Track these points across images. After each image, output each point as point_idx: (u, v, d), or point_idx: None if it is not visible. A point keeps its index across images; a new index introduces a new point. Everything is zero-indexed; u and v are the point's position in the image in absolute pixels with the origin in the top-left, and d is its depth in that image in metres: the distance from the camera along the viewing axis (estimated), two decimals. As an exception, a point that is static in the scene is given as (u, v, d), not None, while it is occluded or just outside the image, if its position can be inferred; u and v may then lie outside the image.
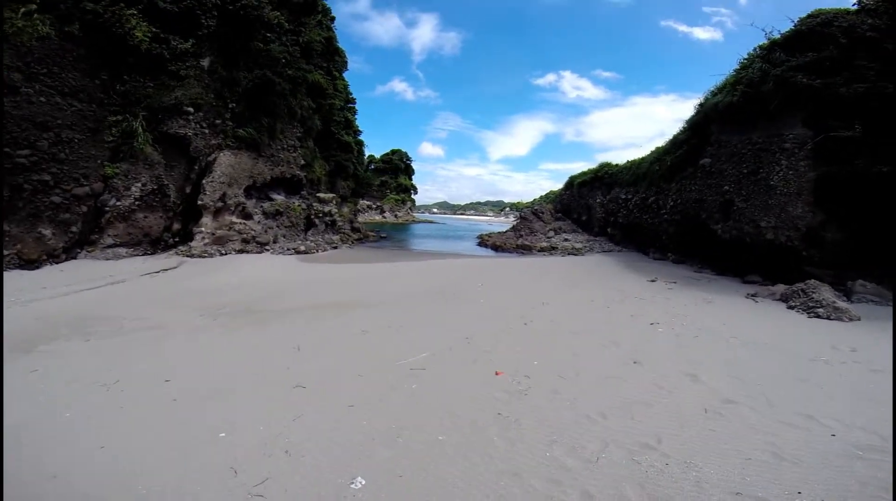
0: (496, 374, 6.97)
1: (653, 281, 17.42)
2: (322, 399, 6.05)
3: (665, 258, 26.16)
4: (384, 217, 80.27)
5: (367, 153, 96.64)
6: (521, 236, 40.79)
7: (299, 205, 27.72)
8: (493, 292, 13.97)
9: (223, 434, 5.22)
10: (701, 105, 24.86)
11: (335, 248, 26.87)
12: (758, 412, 6.16)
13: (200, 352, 8.03)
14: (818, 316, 11.51)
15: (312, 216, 27.75)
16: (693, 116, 25.83)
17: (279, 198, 26.22)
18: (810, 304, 12.27)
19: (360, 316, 10.69)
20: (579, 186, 45.46)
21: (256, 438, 5.12)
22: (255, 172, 24.60)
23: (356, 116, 45.80)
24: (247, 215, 23.18)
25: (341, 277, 16.65)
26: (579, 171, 47.39)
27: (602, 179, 40.70)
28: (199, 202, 20.91)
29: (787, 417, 6.04)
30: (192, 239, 20.46)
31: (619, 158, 45.42)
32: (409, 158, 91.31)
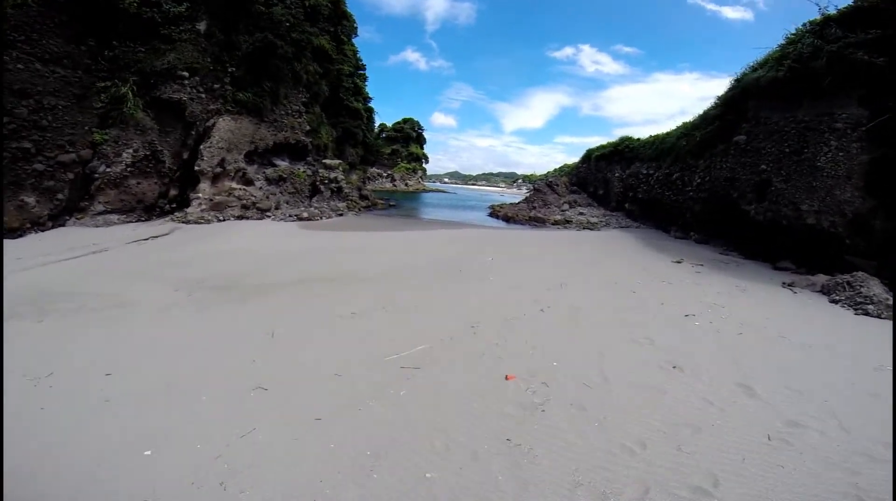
0: (506, 378, 5.68)
1: (678, 263, 15.88)
2: (284, 407, 4.83)
3: (687, 237, 24.43)
4: (394, 185, 78.48)
5: (378, 122, 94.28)
6: (535, 207, 39.04)
7: (304, 171, 26.29)
8: (505, 268, 12.60)
9: (148, 452, 4.04)
10: (737, 80, 22.81)
11: (340, 215, 25.57)
12: (831, 439, 4.82)
13: (160, 337, 6.84)
14: (867, 313, 9.94)
15: (318, 183, 26.35)
16: (728, 92, 23.84)
17: (283, 164, 24.81)
18: (858, 299, 10.67)
19: (352, 294, 9.43)
20: (597, 160, 43.19)
21: (189, 460, 3.93)
22: (257, 137, 23.14)
23: (366, 83, 43.65)
24: (247, 181, 21.88)
25: (341, 246, 15.39)
26: (596, 145, 45.03)
27: (622, 153, 38.43)
28: (196, 168, 19.63)
29: (868, 446, 4.71)
30: (189, 205, 19.28)
31: (638, 134, 43.06)
32: (420, 127, 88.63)
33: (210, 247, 13.87)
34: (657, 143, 33.28)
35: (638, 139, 38.50)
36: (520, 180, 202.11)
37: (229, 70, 22.29)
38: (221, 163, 20.51)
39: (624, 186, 37.15)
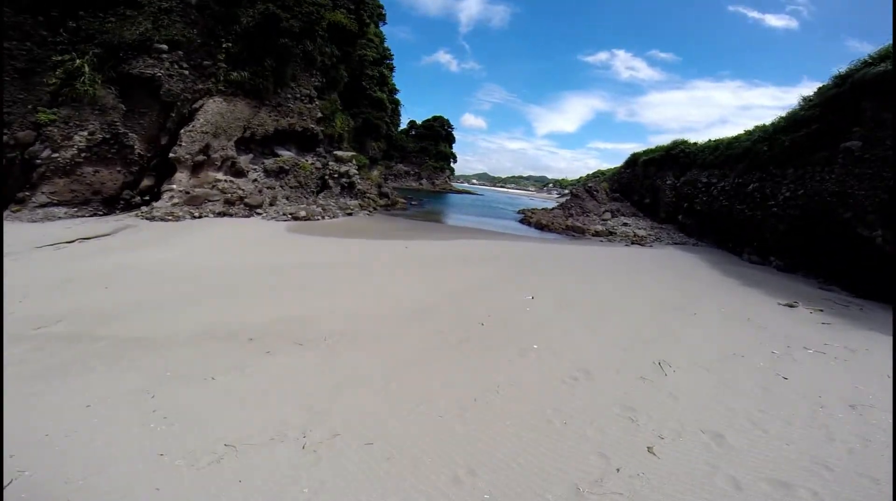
0: None
1: (790, 306, 11.19)
2: None
3: (766, 263, 19.45)
4: (420, 184, 74.46)
5: (407, 119, 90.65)
6: (571, 215, 34.33)
7: (312, 163, 22.51)
8: (552, 319, 8.20)
9: None
10: (841, 77, 17.97)
11: (349, 214, 21.68)
12: None
13: None
14: None
15: (327, 177, 22.54)
16: (828, 89, 19.02)
17: (286, 154, 21.07)
18: None
19: (274, 377, 5.18)
20: (645, 165, 38.02)
21: None
22: (255, 122, 19.46)
23: (393, 74, 39.75)
24: (238, 172, 18.20)
25: (325, 261, 11.31)
26: (631, 151, 39.89)
27: (675, 158, 33.26)
28: (172, 155, 16.08)
29: None
30: (159, 199, 15.69)
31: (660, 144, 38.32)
32: (450, 126, 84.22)
33: (141, 257, 10.02)
34: (722, 147, 28.06)
35: (695, 143, 33.23)
36: (550, 185, 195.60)
37: (224, 45, 18.69)
38: (205, 150, 16.88)
39: (677, 195, 31.98)
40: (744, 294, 12.47)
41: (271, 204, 18.53)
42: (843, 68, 18.95)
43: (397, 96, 40.91)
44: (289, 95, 21.48)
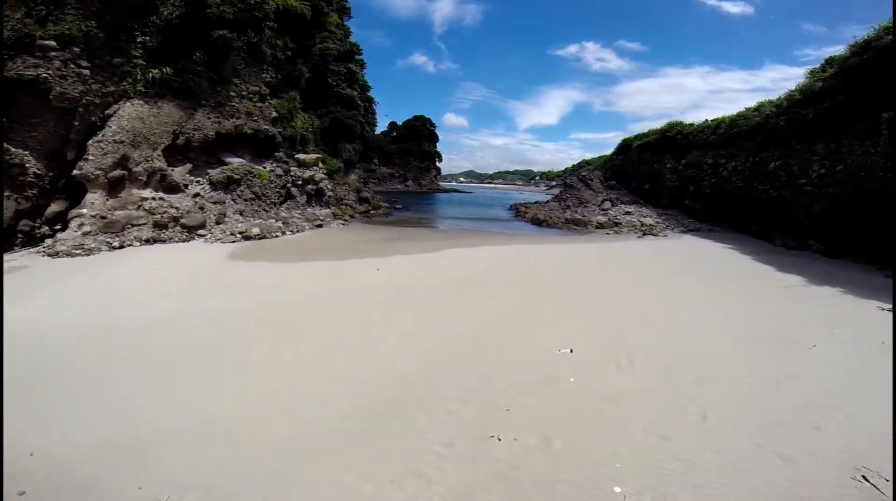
0: None
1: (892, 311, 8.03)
2: None
3: (804, 248, 16.37)
4: (406, 186, 70.76)
5: (386, 121, 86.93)
6: (569, 207, 31.08)
7: (271, 170, 19.01)
8: (626, 396, 4.86)
9: None
10: (859, 46, 15.15)
11: (319, 226, 18.21)
12: None
13: None
14: None
15: (290, 185, 19.06)
16: (846, 58, 16.15)
17: (235, 161, 17.56)
18: None
19: None
20: (639, 150, 34.99)
21: None
22: (190, 126, 15.96)
23: (364, 71, 36.15)
24: (171, 187, 14.68)
25: (248, 306, 7.65)
26: (612, 140, 36.97)
27: (672, 140, 30.24)
28: (77, 172, 12.56)
29: None
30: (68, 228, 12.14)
31: (651, 127, 35.65)
32: (432, 125, 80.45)
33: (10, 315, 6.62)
34: (724, 126, 25.02)
35: (691, 124, 30.24)
36: (537, 177, 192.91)
37: (140, 40, 15.15)
38: (122, 163, 13.37)
39: (680, 178, 28.90)
40: (829, 300, 9.24)
41: (218, 222, 15.02)
42: (859, 35, 15.98)
43: (371, 94, 37.42)
44: (232, 94, 17.97)
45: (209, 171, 16.73)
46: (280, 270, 10.43)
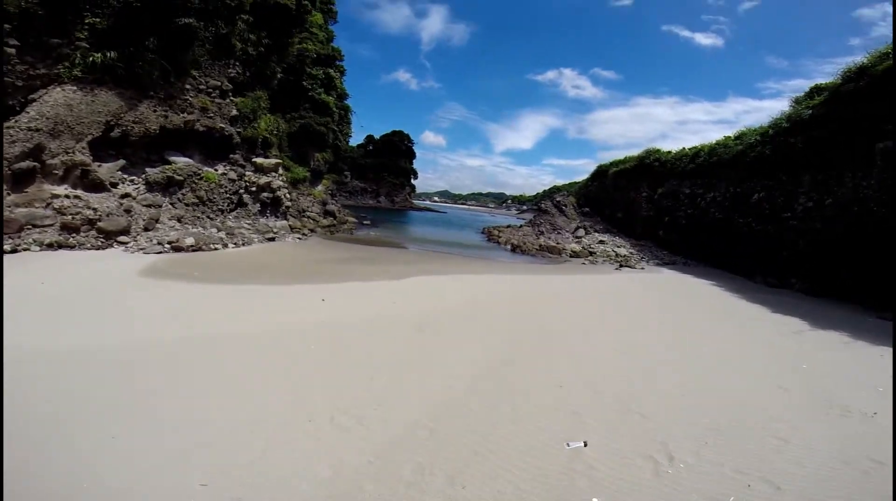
0: None
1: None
2: None
3: (784, 285, 15.57)
4: (378, 202, 68.54)
5: (363, 131, 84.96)
6: (542, 233, 30.07)
7: (222, 173, 16.87)
8: None
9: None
10: (852, 72, 14.95)
11: (271, 239, 16.05)
12: None
13: None
14: None
15: (242, 191, 16.94)
16: (839, 85, 15.68)
17: (181, 161, 15.37)
18: None
19: None
20: (615, 177, 34.62)
21: None
22: (130, 118, 13.82)
23: (344, 78, 34.64)
24: (94, 185, 12.39)
25: (128, 349, 5.34)
26: (582, 167, 36.93)
27: (649, 167, 29.85)
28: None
29: None
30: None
31: (621, 156, 35.73)
32: (410, 141, 79.21)
33: None
34: (703, 155, 24.64)
35: (669, 152, 30.00)
36: (509, 201, 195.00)
37: (87, 21, 13.20)
38: (34, 154, 11.06)
39: (655, 208, 28.37)
40: (844, 348, 8.05)
41: (147, 229, 12.75)
42: (855, 60, 15.67)
43: (350, 104, 35.78)
44: (188, 86, 15.92)
45: (147, 170, 14.48)
46: (198, 293, 8.34)
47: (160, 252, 11.61)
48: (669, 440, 4.37)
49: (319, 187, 30.05)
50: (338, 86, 32.27)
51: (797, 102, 18.82)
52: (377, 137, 77.69)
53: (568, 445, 4.11)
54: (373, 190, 71.06)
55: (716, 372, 6.40)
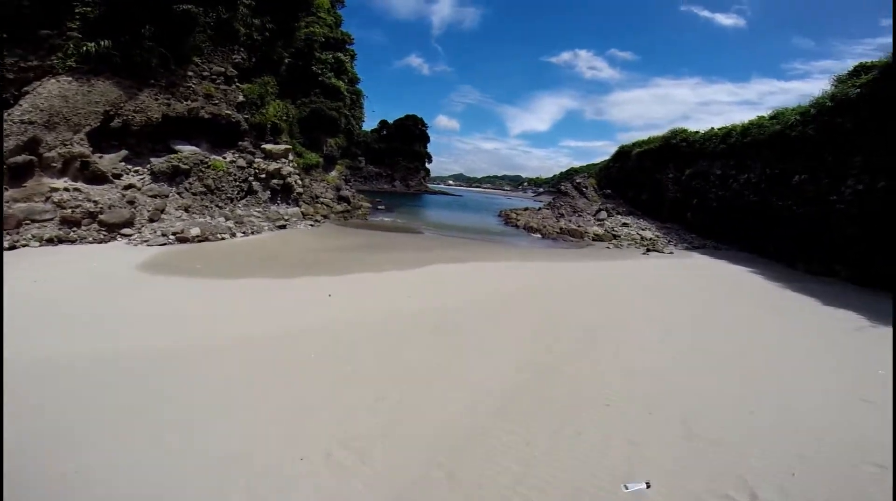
0: None
1: None
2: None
3: (828, 273, 14.31)
4: (393, 186, 67.77)
5: (375, 115, 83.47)
6: (562, 215, 28.90)
7: (230, 161, 16.27)
8: None
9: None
10: None
11: (282, 227, 15.48)
12: None
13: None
14: None
15: (251, 178, 16.35)
16: (890, 63, 14.04)
17: (186, 149, 14.79)
18: None
19: None
20: (639, 158, 33.02)
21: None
22: (130, 108, 13.24)
23: (355, 63, 33.53)
24: (96, 177, 11.89)
25: (104, 358, 4.74)
26: (601, 149, 35.28)
27: (676, 148, 28.24)
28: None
29: None
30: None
31: (641, 138, 33.91)
32: (424, 125, 77.66)
33: None
34: (735, 135, 23.01)
35: (696, 132, 28.29)
36: (525, 183, 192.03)
37: (79, 11, 12.56)
38: (30, 147, 10.58)
39: (682, 190, 26.85)
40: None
41: (152, 220, 12.25)
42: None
43: (360, 87, 34.73)
44: (190, 73, 15.23)
45: (152, 160, 13.94)
46: (196, 290, 7.73)
47: (164, 244, 11.09)
48: (748, 472, 3.57)
49: (333, 173, 29.36)
50: (348, 70, 31.23)
51: (840, 81, 17.29)
52: (391, 121, 76.45)
53: (626, 487, 3.33)
54: (387, 174, 70.27)
55: (786, 382, 5.50)
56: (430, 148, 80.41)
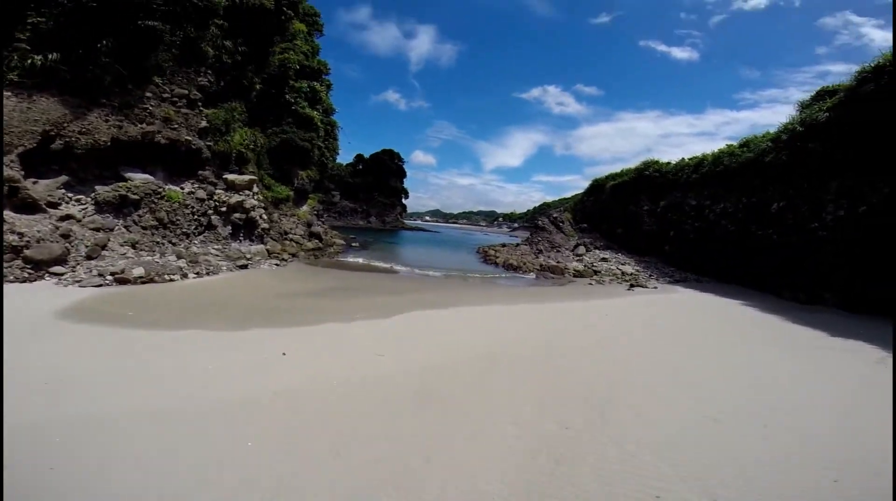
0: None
1: None
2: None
3: (817, 301, 13.92)
4: (369, 222, 66.62)
5: (350, 148, 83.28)
6: (541, 251, 28.35)
7: (189, 192, 14.92)
8: None
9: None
10: (875, 70, 13.78)
11: (243, 267, 13.98)
12: None
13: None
14: None
15: (210, 211, 14.99)
16: (854, 87, 14.63)
17: (138, 177, 13.43)
18: None
19: None
20: (613, 191, 33.28)
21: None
22: (75, 128, 11.96)
23: (330, 93, 33.20)
24: (25, 204, 10.37)
25: None
26: (570, 183, 35.79)
27: (649, 180, 28.53)
28: None
29: None
30: None
31: (607, 171, 34.57)
32: (401, 159, 77.96)
33: None
34: (707, 164, 23.33)
35: (668, 163, 28.75)
36: (500, 219, 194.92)
37: (31, 21, 11.57)
38: (-58, 164, 9.09)
39: (658, 222, 26.87)
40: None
41: (91, 257, 10.70)
42: (856, 66, 14.51)
43: (336, 118, 34.20)
44: (149, 94, 14.12)
45: (98, 188, 12.51)
46: (119, 344, 6.24)
47: (100, 285, 9.54)
48: None
49: (304, 208, 28.14)
50: (323, 100, 30.71)
51: (805, 106, 17.81)
52: (367, 156, 76.39)
53: None
54: (363, 210, 69.28)
55: (848, 440, 4.51)
56: (407, 183, 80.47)
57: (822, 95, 17.33)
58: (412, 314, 9.86)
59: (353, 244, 30.63)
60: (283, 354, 6.37)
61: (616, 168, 33.00)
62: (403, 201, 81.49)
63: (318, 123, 28.04)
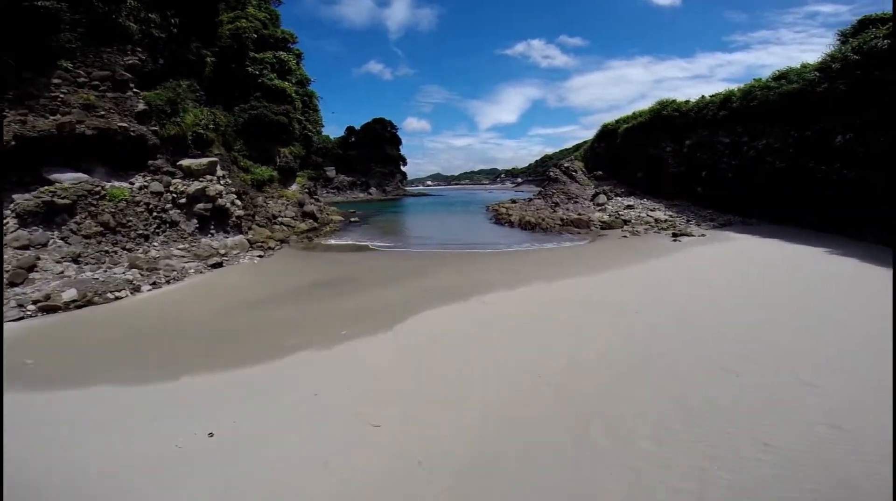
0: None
1: None
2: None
3: (909, 243, 11.16)
4: (369, 194, 63.37)
5: (334, 118, 78.92)
6: (557, 204, 25.53)
7: (140, 187, 12.30)
8: None
9: None
10: None
11: (217, 265, 11.49)
12: None
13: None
14: None
15: (169, 206, 12.37)
16: None
17: (66, 178, 10.79)
18: None
19: None
20: (627, 134, 29.73)
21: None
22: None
23: (302, 62, 29.39)
24: None
25: None
26: (568, 134, 32.23)
27: (669, 120, 25.00)
28: None
29: None
30: None
31: (604, 120, 30.83)
32: (394, 127, 73.23)
33: None
34: (737, 99, 19.89)
35: (687, 101, 25.10)
36: (502, 175, 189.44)
37: None
38: None
39: (686, 163, 23.68)
40: None
41: (14, 283, 8.32)
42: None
43: (314, 88, 30.66)
44: (57, 80, 11.22)
45: (14, 197, 9.93)
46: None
47: (20, 318, 7.20)
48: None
49: (293, 187, 25.40)
50: (294, 70, 27.09)
51: (847, 35, 15.96)
52: (357, 128, 72.16)
53: None
54: (362, 182, 66.03)
55: None
56: (403, 151, 76.44)
57: (865, 23, 15.67)
58: (422, 317, 7.19)
59: (353, 219, 27.95)
60: (210, 434, 3.89)
61: (612, 116, 29.70)
62: (402, 168, 77.79)
63: (293, 95, 24.69)
